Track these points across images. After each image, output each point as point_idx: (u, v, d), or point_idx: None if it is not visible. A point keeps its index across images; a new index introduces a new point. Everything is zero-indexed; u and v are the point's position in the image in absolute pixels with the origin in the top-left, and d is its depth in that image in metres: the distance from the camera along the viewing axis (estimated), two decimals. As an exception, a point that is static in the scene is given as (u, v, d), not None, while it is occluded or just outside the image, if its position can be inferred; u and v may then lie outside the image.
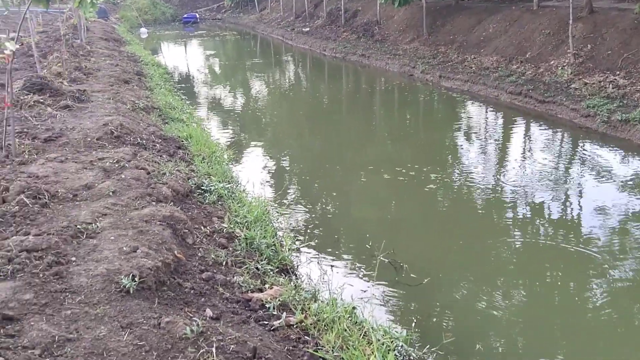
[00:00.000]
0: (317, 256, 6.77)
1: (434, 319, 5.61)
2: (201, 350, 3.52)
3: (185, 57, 30.27)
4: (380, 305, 5.75)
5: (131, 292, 4.00)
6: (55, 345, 3.31)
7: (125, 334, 3.52)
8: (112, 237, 4.84)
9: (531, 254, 6.99)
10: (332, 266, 6.54)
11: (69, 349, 3.29)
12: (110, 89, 11.56)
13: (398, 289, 6.04)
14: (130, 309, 3.82)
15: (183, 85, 19.50)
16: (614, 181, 9.19)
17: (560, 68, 14.93)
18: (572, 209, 8.33)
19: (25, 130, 7.84)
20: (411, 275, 6.26)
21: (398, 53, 21.73)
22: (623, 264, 6.58)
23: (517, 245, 7.23)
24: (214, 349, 3.56)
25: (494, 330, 5.55)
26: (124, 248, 4.60)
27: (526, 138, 12.19)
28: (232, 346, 3.68)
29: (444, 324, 5.54)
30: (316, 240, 6.95)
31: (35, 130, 7.93)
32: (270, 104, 17.66)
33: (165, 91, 14.33)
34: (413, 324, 4.96)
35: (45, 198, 5.48)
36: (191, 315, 4.10)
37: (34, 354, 3.19)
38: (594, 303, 5.91)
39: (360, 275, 6.39)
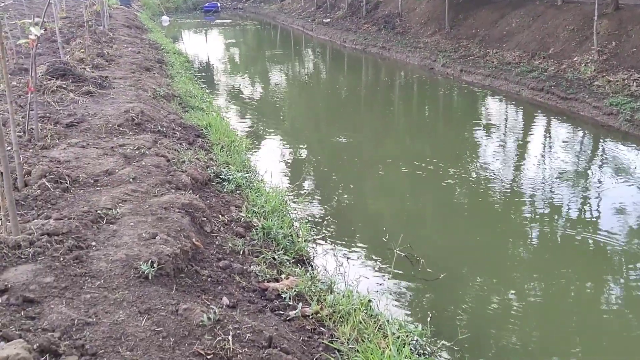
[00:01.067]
0: (333, 248, 6.78)
1: (450, 314, 5.59)
2: (218, 338, 3.54)
3: (206, 46, 30.34)
4: (396, 299, 5.74)
5: (150, 278, 4.03)
6: (74, 329, 3.35)
7: (143, 320, 3.55)
8: (132, 223, 4.89)
9: (548, 252, 6.94)
10: (347, 258, 6.55)
11: (87, 333, 3.33)
12: (131, 76, 11.63)
13: (414, 283, 6.03)
14: (148, 294, 3.86)
15: (203, 74, 19.56)
16: (638, 180, 9.05)
17: (583, 65, 14.73)
18: (591, 208, 8.24)
19: (47, 115, 7.92)
20: (427, 270, 6.25)
21: (419, 46, 21.58)
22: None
23: (534, 243, 7.18)
24: (230, 337, 3.58)
25: (508, 328, 5.52)
26: (143, 234, 4.64)
27: (547, 135, 12.07)
28: (248, 335, 3.70)
29: (459, 319, 5.52)
30: (332, 232, 6.95)
31: (57, 115, 8.01)
32: (289, 95, 17.66)
33: (186, 79, 14.38)
34: (428, 319, 4.95)
35: (66, 182, 5.54)
36: (208, 303, 4.13)
37: (53, 337, 3.23)
38: (610, 302, 5.86)
39: (376, 268, 6.39)
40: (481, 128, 12.66)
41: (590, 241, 7.10)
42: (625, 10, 15.78)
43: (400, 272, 6.12)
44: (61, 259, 4.06)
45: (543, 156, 10.53)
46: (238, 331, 3.70)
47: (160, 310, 3.71)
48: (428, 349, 4.43)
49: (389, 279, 6.04)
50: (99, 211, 5.01)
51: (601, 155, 10.55)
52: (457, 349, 4.75)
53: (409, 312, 5.40)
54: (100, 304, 3.65)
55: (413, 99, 16.26)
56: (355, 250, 6.90)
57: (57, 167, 5.84)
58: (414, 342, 4.44)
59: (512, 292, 6.10)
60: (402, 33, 24.15)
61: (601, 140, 11.38)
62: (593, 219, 7.81)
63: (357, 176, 9.54)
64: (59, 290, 3.72)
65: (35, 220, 4.64)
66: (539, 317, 5.69)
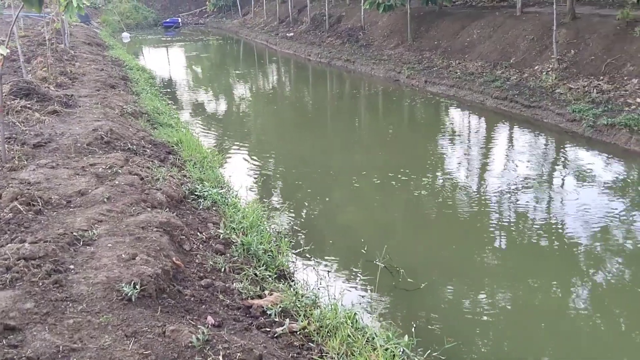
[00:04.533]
0: (314, 261, 6.74)
1: (433, 323, 5.61)
2: (208, 359, 3.47)
3: (169, 62, 30.06)
4: (380, 310, 5.73)
5: (133, 300, 3.94)
6: (60, 356, 3.24)
7: (130, 343, 3.46)
8: (110, 244, 4.77)
9: (519, 257, 7.08)
10: (329, 271, 6.52)
11: (74, 359, 3.23)
12: (97, 93, 11.43)
13: (396, 294, 6.04)
14: (133, 317, 3.76)
15: (168, 90, 19.36)
16: (602, 185, 9.29)
17: (544, 73, 15.11)
18: (561, 213, 8.40)
19: (13, 135, 7.70)
20: (408, 279, 6.27)
21: (383, 58, 21.81)
22: (607, 266, 6.70)
23: (507, 249, 7.30)
24: (220, 357, 3.52)
25: (491, 333, 5.57)
26: (123, 255, 4.53)
27: (514, 143, 12.30)
28: (238, 354, 3.63)
29: (444, 327, 5.54)
30: (311, 245, 6.91)
31: (24, 135, 7.80)
32: (257, 109, 17.61)
33: (152, 96, 14.20)
34: (413, 329, 4.95)
35: (39, 205, 5.39)
36: (193, 323, 4.05)
37: (38, 365, 3.12)
38: (578, 304, 5.98)
39: (357, 281, 6.37)
40: (450, 138, 12.84)
41: (559, 244, 7.27)
42: (582, 19, 16.28)
43: (381, 283, 6.11)
44: (40, 284, 3.94)
45: (511, 164, 10.72)
46: (228, 351, 3.63)
47: (146, 333, 3.62)
48: (417, 359, 4.42)
49: (371, 290, 6.03)
50: (74, 233, 4.88)
51: (567, 161, 10.80)
52: (443, 358, 4.75)
53: (393, 323, 5.38)
54: (85, 328, 3.55)
55: (382, 111, 16.39)
56: (335, 263, 6.88)
57: (28, 189, 5.68)
58: (402, 353, 4.43)
59: (491, 298, 6.16)
60: (366, 46, 24.38)
61: (567, 147, 11.65)
62: (559, 224, 7.97)
63: (332, 188, 9.54)
64: (41, 317, 3.60)
65: (10, 245, 4.49)
66: (516, 321, 5.77)
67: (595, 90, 13.27)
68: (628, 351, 5.35)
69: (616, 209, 8.31)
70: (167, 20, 49.12)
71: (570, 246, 7.25)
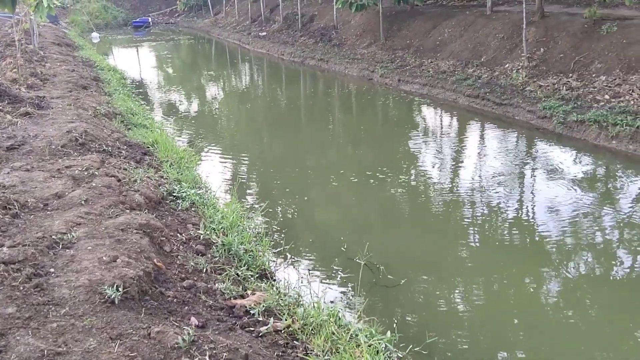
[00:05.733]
0: (294, 260, 6.77)
1: (414, 318, 5.69)
2: (195, 359, 3.48)
3: (140, 62, 29.73)
4: (362, 307, 5.78)
5: (116, 302, 3.92)
6: (45, 360, 3.21)
7: (115, 346, 3.44)
8: (90, 247, 4.73)
9: (492, 251, 7.23)
10: (309, 269, 6.56)
11: (59, 363, 3.20)
12: (69, 95, 11.26)
13: (376, 291, 6.10)
14: (117, 319, 3.74)
15: (140, 90, 19.15)
16: (572, 180, 9.50)
17: (515, 71, 15.36)
18: (533, 208, 8.57)
19: (-15, 138, 7.56)
20: (388, 276, 6.34)
21: (356, 57, 21.91)
22: (577, 259, 6.90)
23: (480, 243, 7.43)
24: (207, 358, 3.52)
25: (470, 326, 5.67)
26: (104, 258, 4.50)
27: (487, 140, 12.50)
28: (224, 354, 3.64)
29: (424, 322, 5.62)
30: (291, 244, 6.94)
31: (-5, 138, 7.66)
32: (231, 109, 17.55)
33: (125, 97, 14.04)
34: (395, 325, 5.02)
35: (15, 208, 5.31)
36: (177, 324, 4.04)
37: (23, 370, 3.09)
38: (556, 297, 6.13)
39: (338, 279, 6.42)
40: (424, 136, 12.98)
41: (534, 239, 7.43)
42: (550, 18, 16.59)
43: (362, 280, 6.17)
44: (21, 288, 3.89)
45: (484, 160, 10.89)
46: (214, 351, 3.64)
47: (132, 335, 3.60)
48: (400, 354, 4.48)
49: (352, 288, 6.08)
50: (53, 236, 4.82)
51: (539, 157, 11.00)
52: (425, 352, 4.83)
53: (374, 319, 5.43)
54: (69, 332, 3.52)
55: (356, 110, 16.47)
56: (316, 261, 6.91)
57: (4, 192, 5.59)
58: (384, 348, 4.49)
59: (468, 292, 6.28)
60: (339, 45, 24.47)
61: (538, 143, 11.88)
62: (531, 218, 8.14)
63: (310, 188, 9.57)
64: (23, 321, 3.55)
65: (-13, 249, 4.42)
66: (493, 315, 5.90)
67: (564, 87, 13.55)
68: (600, 341, 5.50)
69: (586, 203, 8.51)
70: (137, 19, 48.50)
71: (541, 240, 7.42)
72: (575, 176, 9.70)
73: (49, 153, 7.30)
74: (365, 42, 23.31)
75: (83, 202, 5.68)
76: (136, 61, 29.88)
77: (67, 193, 5.91)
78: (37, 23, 19.40)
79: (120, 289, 4.01)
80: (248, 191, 9.37)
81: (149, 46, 36.41)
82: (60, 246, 4.70)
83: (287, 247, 6.70)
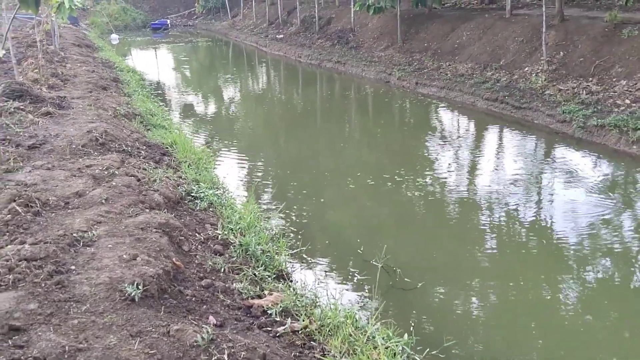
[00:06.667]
0: (311, 261, 6.78)
1: (431, 322, 5.66)
2: (213, 358, 3.50)
3: (157, 64, 29.97)
4: (378, 309, 5.77)
5: (136, 300, 3.95)
6: (66, 356, 3.24)
7: (135, 343, 3.47)
8: (110, 245, 4.78)
9: (512, 256, 7.15)
10: (326, 271, 6.56)
11: (80, 359, 3.23)
12: (89, 95, 11.39)
13: (393, 294, 6.08)
14: (137, 317, 3.78)
15: (158, 92, 19.31)
16: (592, 185, 9.40)
17: (534, 75, 15.25)
18: (553, 213, 8.49)
19: (7, 137, 7.67)
20: (405, 279, 6.32)
21: (374, 60, 21.89)
22: (597, 265, 6.83)
23: (498, 248, 7.37)
24: (225, 356, 3.54)
25: (487, 331, 5.63)
26: (124, 256, 4.54)
27: (506, 144, 12.41)
28: (242, 353, 3.66)
29: (441, 326, 5.59)
30: (308, 245, 6.94)
31: (18, 137, 7.77)
32: (249, 111, 17.61)
33: (144, 97, 14.17)
34: (411, 328, 5.00)
35: (37, 206, 5.38)
36: (195, 323, 4.07)
37: (44, 365, 3.13)
38: (576, 303, 6.07)
39: (355, 280, 6.41)
40: (442, 139, 12.93)
41: (553, 245, 7.36)
42: (570, 21, 16.45)
43: (379, 282, 6.16)
44: (43, 285, 3.94)
45: (503, 165, 10.82)
46: (232, 350, 3.65)
47: (151, 333, 3.63)
48: (417, 357, 4.46)
49: (369, 290, 6.07)
50: (74, 234, 4.88)
51: (558, 162, 10.90)
52: (442, 356, 4.81)
53: (391, 322, 5.43)
54: (90, 328, 3.56)
55: (373, 112, 16.46)
56: (332, 262, 6.91)
57: (26, 191, 5.67)
58: (401, 351, 4.48)
59: (486, 296, 6.23)
60: (356, 48, 24.46)
61: (558, 147, 11.77)
62: (550, 223, 8.06)
63: (327, 189, 9.57)
64: (45, 317, 3.60)
65: (10, 246, 4.48)
66: (511, 319, 5.84)
67: (584, 91, 13.42)
68: (618, 349, 5.43)
69: (605, 208, 8.42)
70: (156, 21, 48.91)
71: (559, 245, 7.34)
72: (595, 181, 9.60)
73: (70, 152, 7.38)
74: (382, 45, 23.28)
75: (103, 201, 5.74)
76: (154, 63, 30.12)
77: (87, 192, 5.97)
78: (58, 24, 19.65)
79: (140, 287, 4.05)
80: (265, 192, 9.40)
81: (167, 48, 36.71)
82: (81, 244, 4.76)
83: (304, 248, 6.70)
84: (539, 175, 10.09)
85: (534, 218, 8.23)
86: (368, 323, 4.67)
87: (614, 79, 13.36)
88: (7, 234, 4.84)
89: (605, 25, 15.17)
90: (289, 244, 6.59)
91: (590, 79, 13.87)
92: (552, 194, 9.19)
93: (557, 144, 11.94)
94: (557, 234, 7.66)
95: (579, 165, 10.50)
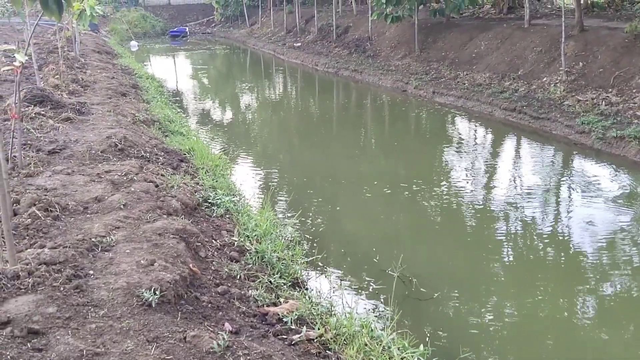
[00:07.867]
0: (326, 270, 6.77)
1: (447, 333, 5.62)
2: (229, 365, 3.50)
3: (176, 71, 30.23)
4: (394, 319, 5.75)
5: (153, 305, 3.97)
6: (84, 360, 3.27)
7: (152, 348, 3.49)
8: (128, 250, 4.82)
9: (529, 268, 7.08)
10: (341, 280, 6.54)
11: (98, 363, 3.26)
12: (109, 101, 11.52)
13: (409, 303, 6.05)
14: (154, 322, 3.80)
15: (176, 98, 19.47)
16: (611, 197, 9.30)
17: (552, 85, 15.14)
18: (571, 225, 8.41)
19: (28, 142, 7.78)
20: (421, 289, 6.29)
21: (390, 69, 21.89)
22: (615, 278, 6.74)
23: (516, 259, 7.30)
24: (241, 363, 3.55)
25: (503, 343, 5.58)
26: (141, 261, 4.57)
27: (524, 154, 12.33)
28: (258, 360, 3.66)
29: (457, 337, 5.55)
30: (324, 254, 6.94)
31: (38, 142, 7.88)
32: (265, 119, 17.69)
33: (162, 104, 14.30)
34: (427, 339, 4.97)
35: (56, 210, 5.44)
36: (211, 329, 4.08)
37: (62, 369, 3.16)
38: (593, 317, 5.99)
39: (370, 289, 6.39)
40: (459, 149, 12.88)
41: (571, 257, 7.27)
42: (590, 32, 16.33)
43: (394, 292, 6.14)
44: (61, 289, 3.98)
45: (520, 175, 10.75)
46: (248, 357, 3.66)
47: (168, 338, 3.65)
48: (433, 368, 4.43)
49: (384, 299, 6.05)
50: (93, 239, 4.93)
51: (577, 173, 10.80)
52: (458, 367, 4.77)
53: (407, 332, 5.40)
54: (107, 333, 3.58)
55: (390, 121, 16.45)
56: (347, 271, 6.90)
57: (46, 195, 5.74)
58: (417, 362, 4.45)
59: (502, 308, 6.18)
60: (373, 56, 24.49)
61: (576, 159, 11.67)
62: (568, 235, 7.98)
63: (343, 198, 9.57)
64: (63, 321, 3.63)
65: (30, 250, 4.54)
66: (528, 332, 5.77)
67: (603, 102, 13.30)
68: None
69: (624, 221, 8.32)
70: (175, 29, 49.33)
71: (577, 258, 7.26)
72: (614, 193, 9.49)
73: (89, 158, 7.47)
74: (399, 54, 23.28)
75: (122, 207, 5.79)
76: (173, 70, 30.39)
77: (106, 197, 6.03)
78: (79, 31, 19.91)
79: (157, 293, 4.07)
80: (280, 199, 9.42)
81: (185, 55, 37.01)
82: (100, 249, 4.80)
83: (319, 256, 6.70)
84: (557, 186, 10.01)
85: (551, 229, 8.16)
86: (384, 333, 4.64)
87: (634, 90, 13.22)
88: (27, 237, 4.90)
89: (626, 36, 15.03)
90: (305, 251, 6.59)
91: (610, 90, 13.74)
92: (570, 205, 9.11)
93: (575, 155, 11.84)
94: (575, 246, 7.58)
95: (598, 176, 10.39)
